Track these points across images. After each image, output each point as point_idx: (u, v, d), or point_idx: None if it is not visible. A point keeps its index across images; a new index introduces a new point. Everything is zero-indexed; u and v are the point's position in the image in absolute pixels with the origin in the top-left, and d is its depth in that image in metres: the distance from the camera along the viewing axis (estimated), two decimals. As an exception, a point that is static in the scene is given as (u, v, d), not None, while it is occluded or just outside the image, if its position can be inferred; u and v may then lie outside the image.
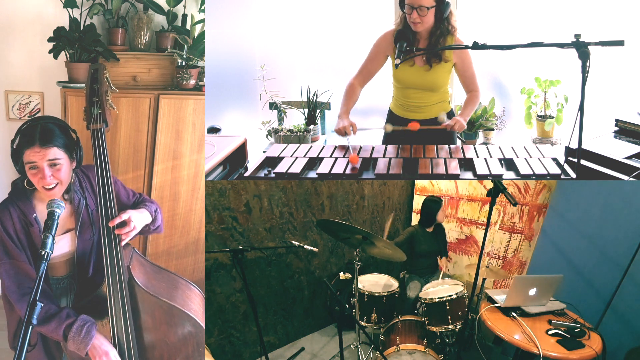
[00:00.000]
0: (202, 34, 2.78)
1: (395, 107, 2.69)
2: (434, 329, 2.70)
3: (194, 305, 1.87)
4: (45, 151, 1.68)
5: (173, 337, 1.81)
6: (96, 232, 1.84)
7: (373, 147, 2.45)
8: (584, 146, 1.98)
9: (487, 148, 2.41)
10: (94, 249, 1.87)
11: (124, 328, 1.72)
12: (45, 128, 1.72)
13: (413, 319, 2.78)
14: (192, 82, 2.78)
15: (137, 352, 1.75)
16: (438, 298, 2.72)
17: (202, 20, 2.82)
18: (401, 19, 2.48)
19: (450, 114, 2.63)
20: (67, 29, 2.68)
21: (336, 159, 2.32)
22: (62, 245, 1.82)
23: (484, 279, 2.86)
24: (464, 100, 2.61)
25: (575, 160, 1.94)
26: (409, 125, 2.43)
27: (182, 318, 1.80)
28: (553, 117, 3.24)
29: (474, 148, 2.41)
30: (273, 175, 2.20)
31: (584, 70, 1.78)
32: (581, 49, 1.80)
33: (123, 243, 1.78)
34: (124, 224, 1.79)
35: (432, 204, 3.28)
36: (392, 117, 2.72)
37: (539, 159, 2.23)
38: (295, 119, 3.48)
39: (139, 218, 1.84)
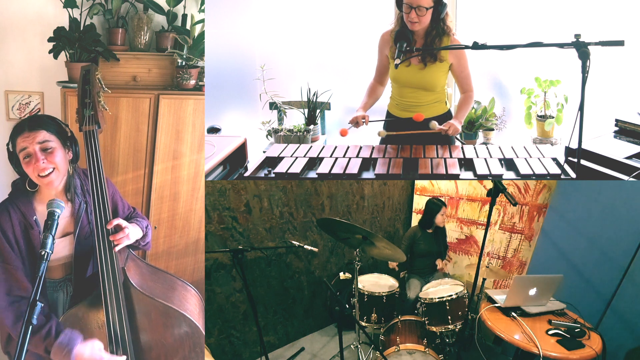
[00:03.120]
0: (202, 34, 2.78)
1: (392, 107, 2.70)
2: (434, 329, 2.70)
3: (191, 306, 1.87)
4: (34, 134, 1.70)
5: (170, 337, 1.81)
6: (94, 234, 1.83)
7: (373, 147, 2.45)
8: (584, 146, 1.98)
9: (487, 148, 2.41)
10: (92, 251, 1.86)
11: (119, 329, 1.71)
12: (33, 117, 1.79)
13: (413, 319, 2.78)
14: (192, 82, 2.78)
15: (134, 353, 1.75)
16: (438, 298, 2.72)
17: (202, 20, 2.82)
18: (398, 19, 2.48)
19: (449, 114, 2.63)
20: (67, 29, 2.67)
21: (336, 159, 2.32)
22: (60, 249, 1.81)
23: (484, 279, 2.86)
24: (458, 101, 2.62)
25: (575, 160, 1.94)
26: (414, 116, 2.46)
27: (178, 319, 1.80)
28: (553, 117, 3.24)
29: (474, 148, 2.41)
30: (273, 175, 2.20)
31: (584, 70, 1.79)
32: (581, 49, 1.80)
33: (117, 249, 1.76)
34: (118, 228, 1.78)
35: (433, 206, 3.30)
36: (389, 118, 2.72)
37: (539, 159, 2.23)
38: (295, 119, 3.48)
39: (132, 229, 1.84)
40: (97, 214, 1.77)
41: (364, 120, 2.52)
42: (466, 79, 2.56)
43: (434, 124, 2.41)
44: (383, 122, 2.72)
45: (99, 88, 1.96)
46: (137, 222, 1.93)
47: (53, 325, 1.65)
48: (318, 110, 3.43)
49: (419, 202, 4.12)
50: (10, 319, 1.64)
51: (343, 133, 2.47)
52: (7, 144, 1.75)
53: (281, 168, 2.23)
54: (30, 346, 1.62)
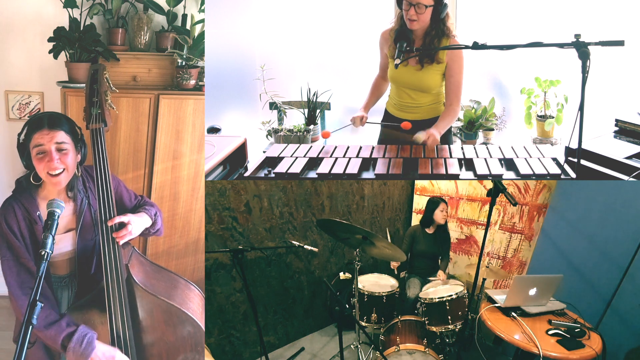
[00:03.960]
0: (202, 34, 2.78)
1: (390, 106, 2.71)
2: (434, 329, 2.70)
3: (193, 304, 1.88)
4: (53, 133, 1.73)
5: (172, 336, 1.82)
6: (98, 231, 1.84)
7: (373, 147, 2.45)
8: (584, 146, 1.98)
9: (487, 148, 2.41)
10: (95, 248, 1.87)
11: (121, 326, 1.72)
12: (52, 115, 1.79)
13: (413, 319, 2.78)
14: (192, 82, 2.78)
15: (135, 349, 1.76)
16: (438, 298, 2.72)
17: (202, 20, 2.82)
18: (398, 18, 2.47)
19: None
20: (67, 29, 2.68)
21: (336, 159, 2.32)
22: (64, 244, 1.83)
23: (484, 279, 2.86)
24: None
25: (575, 160, 1.94)
26: (401, 125, 2.47)
27: (180, 317, 1.81)
28: (553, 117, 3.24)
29: (474, 148, 2.41)
30: (273, 175, 2.20)
31: (584, 70, 1.79)
32: (581, 49, 1.80)
33: (121, 242, 1.78)
34: (122, 225, 1.79)
35: (430, 204, 3.29)
36: (386, 117, 2.72)
37: (539, 159, 2.23)
38: (295, 119, 3.48)
39: (137, 222, 1.85)
40: (102, 212, 1.79)
41: (361, 121, 2.55)
42: (455, 87, 2.45)
43: (419, 137, 2.36)
44: (380, 125, 2.72)
45: (107, 87, 1.99)
46: (145, 210, 1.95)
47: (67, 319, 1.69)
48: (318, 110, 3.43)
49: (419, 202, 4.11)
50: (25, 309, 1.66)
51: (325, 135, 2.53)
52: (19, 135, 1.77)
53: (281, 168, 2.23)
54: (46, 340, 1.67)
